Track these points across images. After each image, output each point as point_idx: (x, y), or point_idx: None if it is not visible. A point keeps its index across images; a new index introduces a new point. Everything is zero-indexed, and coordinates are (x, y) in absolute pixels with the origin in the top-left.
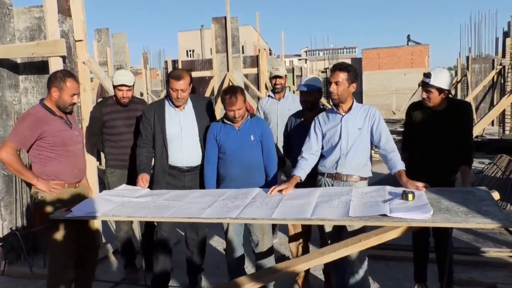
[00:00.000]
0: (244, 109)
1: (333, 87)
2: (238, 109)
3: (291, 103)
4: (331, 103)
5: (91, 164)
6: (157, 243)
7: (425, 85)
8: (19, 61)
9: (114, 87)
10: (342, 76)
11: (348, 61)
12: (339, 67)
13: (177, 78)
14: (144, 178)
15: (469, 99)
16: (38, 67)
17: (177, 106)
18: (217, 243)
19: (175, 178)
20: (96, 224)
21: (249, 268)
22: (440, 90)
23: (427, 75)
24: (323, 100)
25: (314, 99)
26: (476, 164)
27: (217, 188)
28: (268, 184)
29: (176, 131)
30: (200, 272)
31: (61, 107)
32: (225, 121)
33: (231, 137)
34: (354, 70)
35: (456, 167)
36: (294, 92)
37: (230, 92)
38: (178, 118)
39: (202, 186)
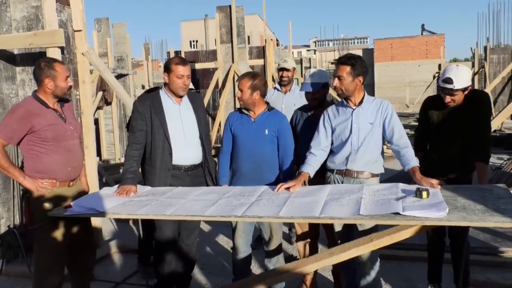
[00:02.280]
0: (247, 96)
1: (336, 82)
2: (240, 89)
3: (298, 98)
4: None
5: (91, 160)
6: (160, 244)
7: (449, 92)
8: (16, 52)
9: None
10: (344, 70)
11: (359, 52)
12: (341, 60)
13: (182, 63)
14: (131, 191)
15: (487, 91)
16: (35, 58)
17: (179, 97)
18: (222, 242)
19: (178, 179)
20: (97, 221)
21: (255, 268)
22: (464, 89)
23: (448, 81)
24: (332, 93)
25: (320, 96)
26: (494, 160)
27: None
28: (280, 182)
29: (178, 126)
30: (188, 282)
31: (60, 94)
32: (243, 110)
33: (245, 128)
34: (360, 62)
35: (473, 167)
36: (301, 84)
37: (246, 73)
38: (178, 112)
39: (205, 185)
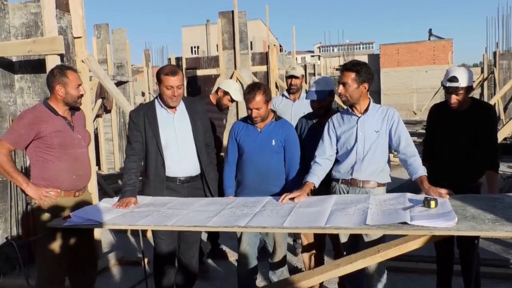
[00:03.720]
0: (264, 110)
1: (341, 89)
2: (256, 108)
3: (307, 106)
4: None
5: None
6: (158, 258)
7: (455, 90)
8: (14, 59)
9: (225, 93)
10: (349, 77)
11: (365, 58)
12: (346, 67)
13: (172, 73)
14: (131, 203)
15: (496, 98)
16: (34, 65)
17: (171, 107)
18: None
19: (174, 191)
20: (95, 233)
21: (259, 280)
22: (468, 89)
23: (453, 79)
24: (338, 100)
25: (327, 104)
26: (505, 168)
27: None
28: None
29: (171, 136)
30: None
31: (71, 102)
32: (249, 120)
33: (251, 139)
34: (365, 69)
35: (479, 172)
36: (306, 91)
37: (251, 88)
38: (172, 121)
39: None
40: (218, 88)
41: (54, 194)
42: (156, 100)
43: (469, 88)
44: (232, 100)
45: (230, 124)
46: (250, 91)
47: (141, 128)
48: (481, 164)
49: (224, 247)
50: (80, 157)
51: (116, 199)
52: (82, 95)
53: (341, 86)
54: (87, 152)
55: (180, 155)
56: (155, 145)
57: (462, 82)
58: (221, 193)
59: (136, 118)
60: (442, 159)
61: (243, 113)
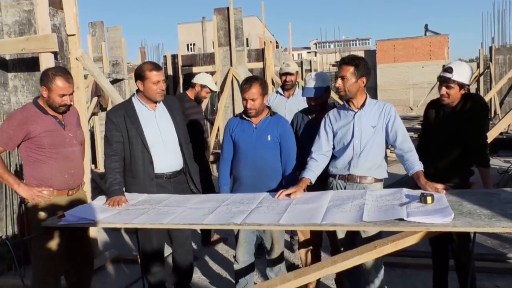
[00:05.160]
0: (259, 103)
1: (339, 83)
2: (251, 99)
3: (301, 102)
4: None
5: (86, 167)
6: (147, 254)
7: (446, 81)
8: (7, 57)
9: (203, 87)
10: (348, 71)
11: (361, 54)
12: (344, 60)
13: (156, 68)
14: (121, 201)
15: (492, 92)
16: (28, 64)
17: (154, 102)
18: (222, 250)
19: (162, 187)
20: (91, 231)
21: (256, 277)
22: (462, 86)
23: (448, 70)
24: (334, 96)
25: (323, 100)
26: (501, 163)
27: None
28: (283, 189)
29: (155, 133)
30: None
31: (52, 107)
32: (244, 116)
33: (246, 135)
34: (363, 63)
35: (470, 170)
36: (302, 87)
37: (248, 79)
38: (154, 118)
39: (189, 191)
40: (195, 84)
41: (47, 193)
42: (133, 98)
43: (462, 86)
44: (210, 91)
45: None
46: (247, 81)
47: (122, 128)
48: (471, 161)
49: (221, 244)
50: (71, 156)
51: (104, 198)
52: (65, 105)
53: (339, 80)
54: (79, 150)
55: (166, 151)
56: (141, 143)
57: (456, 75)
58: (210, 188)
59: (115, 118)
60: (434, 155)
61: (239, 110)
